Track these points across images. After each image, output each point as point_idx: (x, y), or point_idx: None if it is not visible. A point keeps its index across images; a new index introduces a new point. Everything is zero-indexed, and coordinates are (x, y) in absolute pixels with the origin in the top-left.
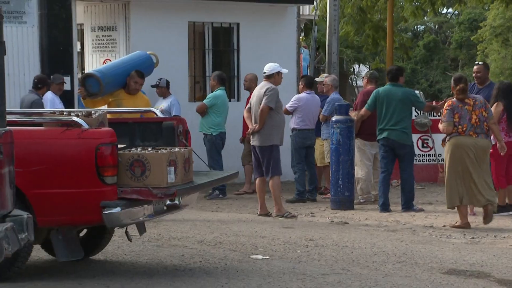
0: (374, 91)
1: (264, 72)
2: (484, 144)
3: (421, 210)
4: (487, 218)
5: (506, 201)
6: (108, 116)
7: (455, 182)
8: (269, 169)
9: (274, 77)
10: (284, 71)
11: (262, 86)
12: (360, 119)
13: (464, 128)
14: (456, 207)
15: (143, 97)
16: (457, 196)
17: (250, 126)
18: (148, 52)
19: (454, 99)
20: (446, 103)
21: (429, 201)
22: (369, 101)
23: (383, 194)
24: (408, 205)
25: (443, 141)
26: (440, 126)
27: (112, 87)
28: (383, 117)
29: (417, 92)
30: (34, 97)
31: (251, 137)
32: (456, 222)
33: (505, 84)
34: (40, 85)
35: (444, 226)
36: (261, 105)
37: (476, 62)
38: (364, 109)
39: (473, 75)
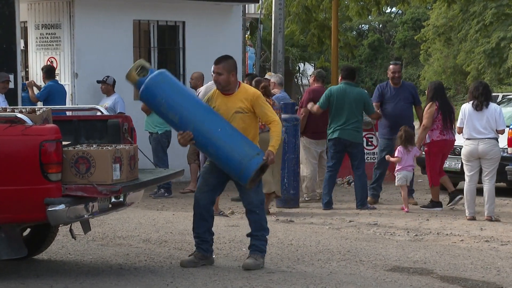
0: (327, 90)
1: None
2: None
3: (374, 208)
4: (268, 204)
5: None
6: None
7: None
8: None
9: None
10: None
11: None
12: (306, 117)
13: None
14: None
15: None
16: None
17: None
18: None
19: None
20: None
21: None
22: (322, 99)
23: (328, 193)
24: (363, 203)
25: None
26: None
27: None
28: (335, 116)
29: None
30: None
31: None
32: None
33: (439, 84)
34: None
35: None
36: None
37: (393, 62)
38: (317, 105)
39: (390, 75)
